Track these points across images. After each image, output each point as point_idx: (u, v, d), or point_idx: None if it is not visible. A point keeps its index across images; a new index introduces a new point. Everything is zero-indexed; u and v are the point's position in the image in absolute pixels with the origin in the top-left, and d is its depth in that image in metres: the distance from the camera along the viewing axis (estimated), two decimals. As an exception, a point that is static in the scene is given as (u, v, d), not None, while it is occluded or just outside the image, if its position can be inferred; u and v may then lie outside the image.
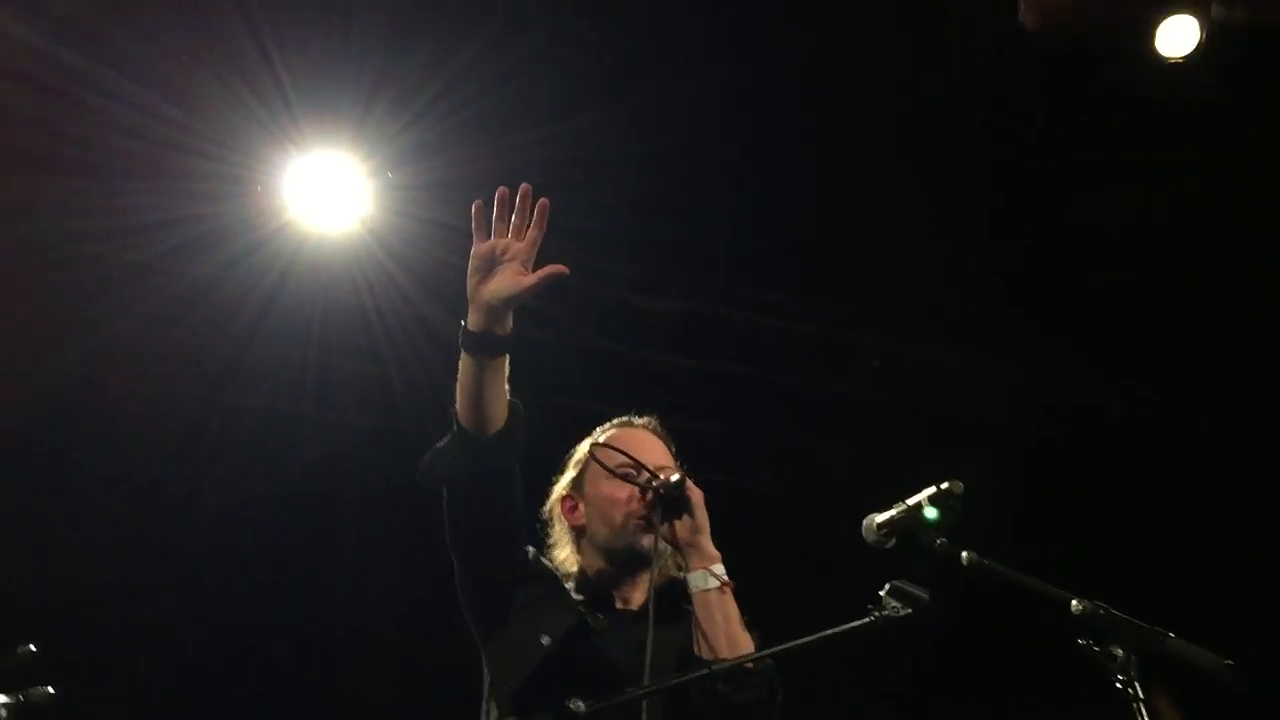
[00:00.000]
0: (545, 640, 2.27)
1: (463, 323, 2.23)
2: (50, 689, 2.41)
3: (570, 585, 2.42)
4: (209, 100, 3.98)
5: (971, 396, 5.12)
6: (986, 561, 2.03)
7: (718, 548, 2.39)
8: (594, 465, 2.43)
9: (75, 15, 3.81)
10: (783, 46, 4.03)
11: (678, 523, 2.29)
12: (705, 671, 2.03)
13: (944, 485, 2.08)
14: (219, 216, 4.36)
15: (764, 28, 4.01)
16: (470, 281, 2.22)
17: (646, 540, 2.32)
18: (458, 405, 2.26)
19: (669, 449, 2.50)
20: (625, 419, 2.54)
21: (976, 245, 4.60)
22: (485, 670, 2.38)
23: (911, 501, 2.11)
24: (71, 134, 4.04)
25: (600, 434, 2.52)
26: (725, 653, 2.19)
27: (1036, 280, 4.79)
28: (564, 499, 2.49)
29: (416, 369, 4.88)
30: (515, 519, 2.35)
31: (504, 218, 2.21)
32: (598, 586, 2.39)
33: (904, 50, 4.13)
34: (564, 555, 2.47)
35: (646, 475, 2.33)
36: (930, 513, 2.03)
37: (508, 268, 2.19)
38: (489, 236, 2.21)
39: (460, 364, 2.24)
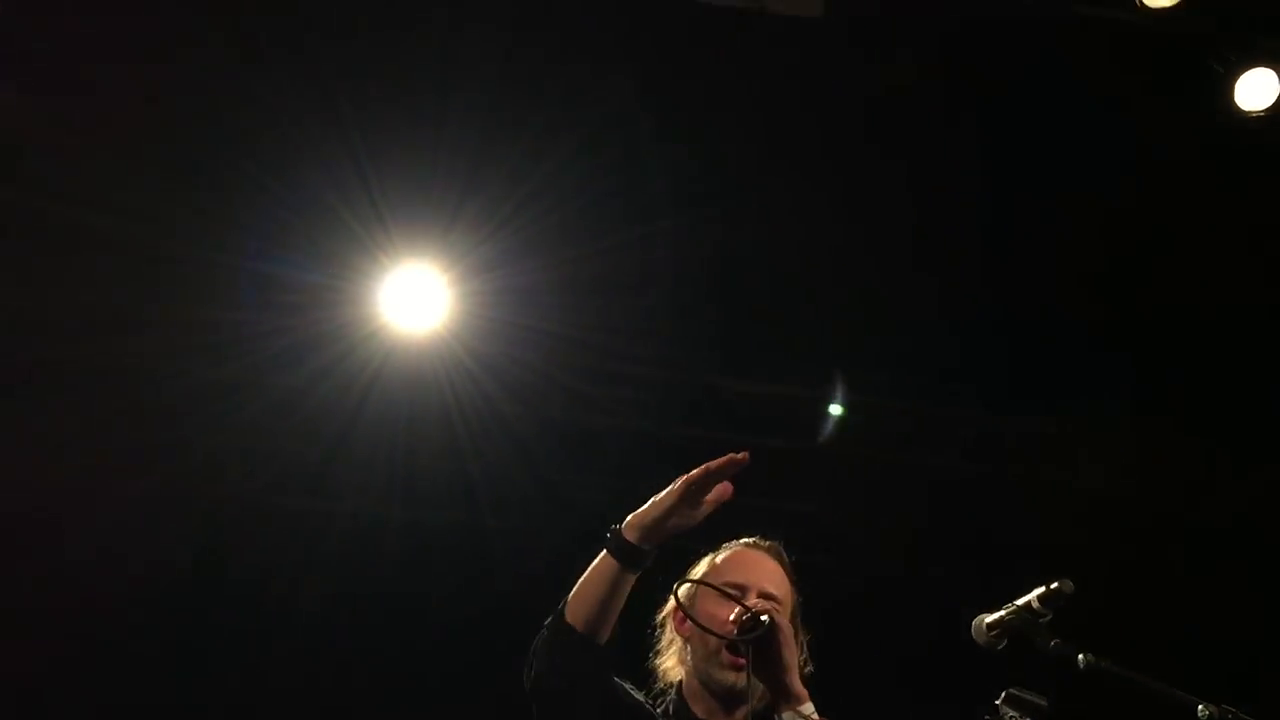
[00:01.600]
0: None
1: (616, 526, 2.21)
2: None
3: (669, 699, 2.41)
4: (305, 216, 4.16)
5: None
6: (1104, 663, 2.00)
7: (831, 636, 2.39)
8: (705, 577, 2.42)
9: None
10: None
11: (764, 661, 2.23)
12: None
13: (1054, 585, 2.05)
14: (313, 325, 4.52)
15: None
16: (660, 506, 2.18)
17: (733, 676, 2.29)
18: (576, 605, 2.21)
19: (786, 574, 2.47)
20: (751, 540, 2.53)
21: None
22: None
23: (1020, 601, 2.07)
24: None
25: (720, 551, 2.51)
26: None
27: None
28: (676, 609, 2.47)
29: (495, 463, 4.98)
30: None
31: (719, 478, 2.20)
32: (695, 708, 2.37)
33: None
34: (670, 664, 2.46)
35: (742, 608, 2.28)
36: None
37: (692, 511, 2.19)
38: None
39: (597, 566, 2.21)
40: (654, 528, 2.16)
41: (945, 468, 5.05)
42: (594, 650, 2.20)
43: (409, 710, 5.07)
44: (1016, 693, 2.00)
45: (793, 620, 2.40)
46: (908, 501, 5.09)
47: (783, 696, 2.23)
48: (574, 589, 2.23)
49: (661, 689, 2.46)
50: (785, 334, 4.78)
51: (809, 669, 2.42)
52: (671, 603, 2.49)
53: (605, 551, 2.19)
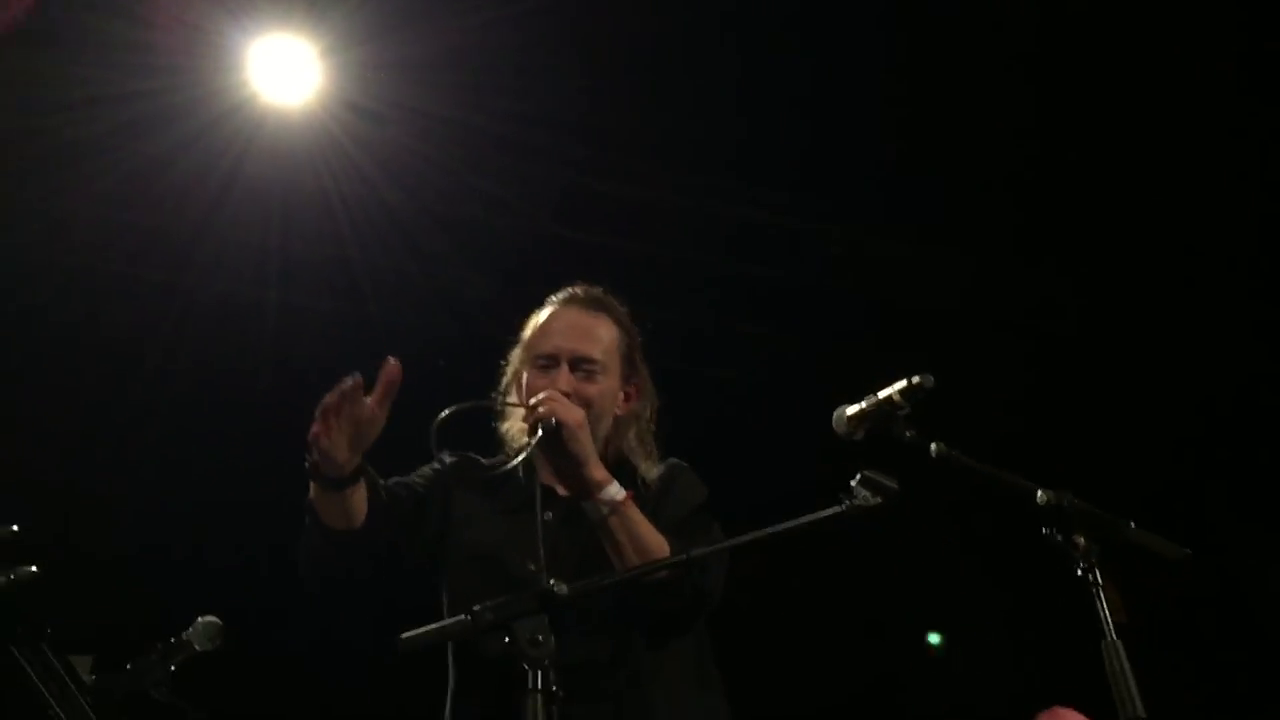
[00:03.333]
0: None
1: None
2: (34, 568, 2.41)
3: (521, 461, 2.36)
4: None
5: (933, 288, 5.12)
6: (954, 453, 2.06)
7: (677, 437, 2.40)
8: (527, 345, 2.43)
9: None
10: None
11: (559, 459, 2.23)
12: (684, 556, 2.07)
13: (915, 380, 2.09)
14: (175, 92, 4.23)
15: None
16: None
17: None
18: (325, 516, 2.17)
19: (613, 322, 2.43)
20: (566, 294, 2.48)
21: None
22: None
23: (883, 394, 2.12)
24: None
25: (547, 304, 2.49)
26: (636, 560, 2.18)
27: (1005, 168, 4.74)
28: (515, 374, 2.46)
29: (379, 253, 4.84)
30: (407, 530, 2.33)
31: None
32: (541, 472, 2.35)
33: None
34: (515, 425, 2.44)
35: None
36: None
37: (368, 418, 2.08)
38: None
39: (318, 495, 2.16)
40: (335, 461, 2.10)
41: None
42: (354, 534, 2.19)
43: (276, 495, 5.04)
44: (870, 475, 2.05)
45: (626, 365, 2.41)
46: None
47: (583, 491, 2.23)
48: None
49: (509, 454, 2.45)
50: (673, 138, 4.65)
51: (651, 411, 2.45)
52: (509, 374, 2.48)
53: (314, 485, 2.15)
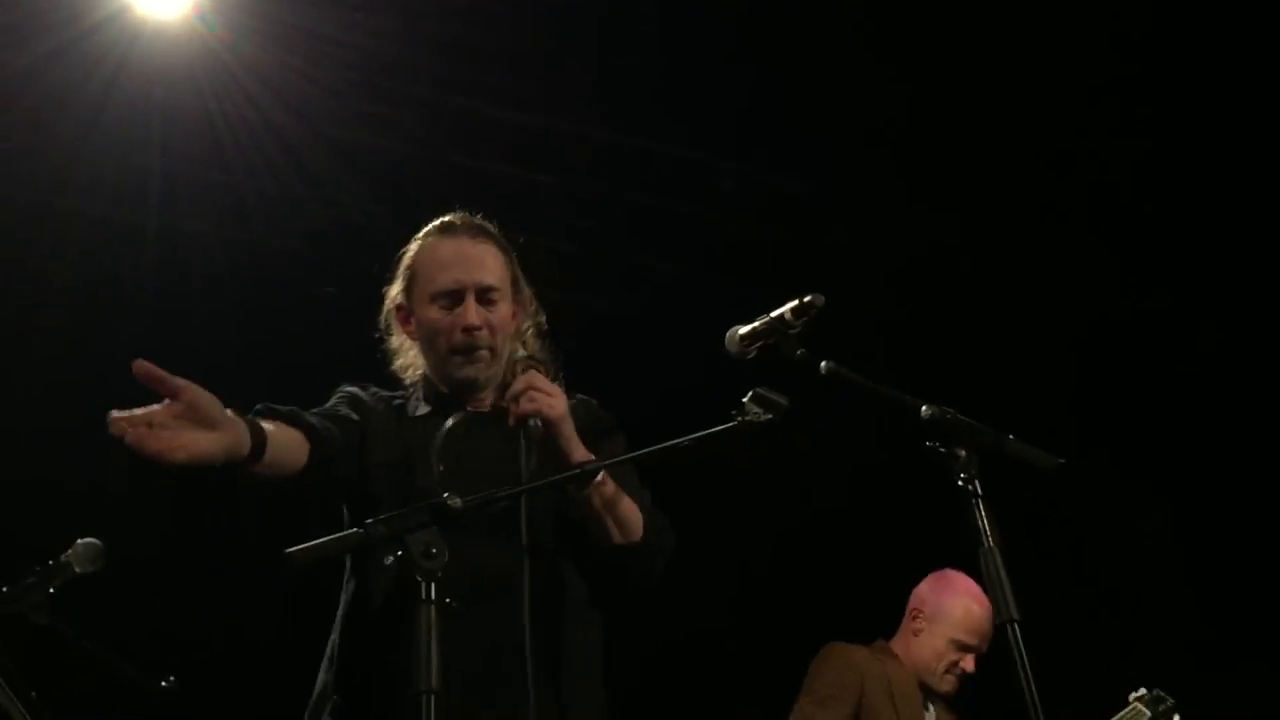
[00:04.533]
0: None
1: None
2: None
3: (418, 392, 2.40)
4: None
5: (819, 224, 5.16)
6: (843, 370, 2.11)
7: (570, 369, 2.39)
8: (419, 280, 2.38)
9: None
10: None
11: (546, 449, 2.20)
12: (577, 469, 2.10)
13: (806, 299, 2.13)
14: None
15: None
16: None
17: (470, 370, 2.32)
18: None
19: (498, 248, 2.41)
20: (451, 220, 2.43)
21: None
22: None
23: (775, 314, 2.16)
24: None
25: (426, 236, 2.43)
26: (620, 538, 2.21)
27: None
28: (398, 309, 2.43)
29: (265, 175, 4.69)
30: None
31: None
32: (447, 391, 2.37)
33: None
34: (409, 360, 2.44)
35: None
36: None
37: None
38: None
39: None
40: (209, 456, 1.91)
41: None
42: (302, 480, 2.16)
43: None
44: (762, 392, 2.10)
45: (513, 286, 2.40)
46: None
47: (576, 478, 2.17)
48: None
49: (407, 387, 2.44)
50: (568, 63, 4.58)
51: (539, 321, 2.46)
52: (389, 303, 2.44)
53: None
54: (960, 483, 1.95)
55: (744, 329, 2.19)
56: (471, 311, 2.32)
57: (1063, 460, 2.00)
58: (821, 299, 2.13)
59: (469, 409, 2.36)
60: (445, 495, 1.84)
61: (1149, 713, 3.57)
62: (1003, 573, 1.90)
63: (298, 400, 2.39)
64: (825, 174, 4.93)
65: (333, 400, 2.38)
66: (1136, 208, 5.00)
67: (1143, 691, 3.65)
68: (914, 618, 3.63)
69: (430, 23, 4.41)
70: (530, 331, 2.44)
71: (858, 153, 4.78)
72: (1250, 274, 5.10)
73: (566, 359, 2.48)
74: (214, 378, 5.08)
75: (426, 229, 2.45)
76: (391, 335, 2.47)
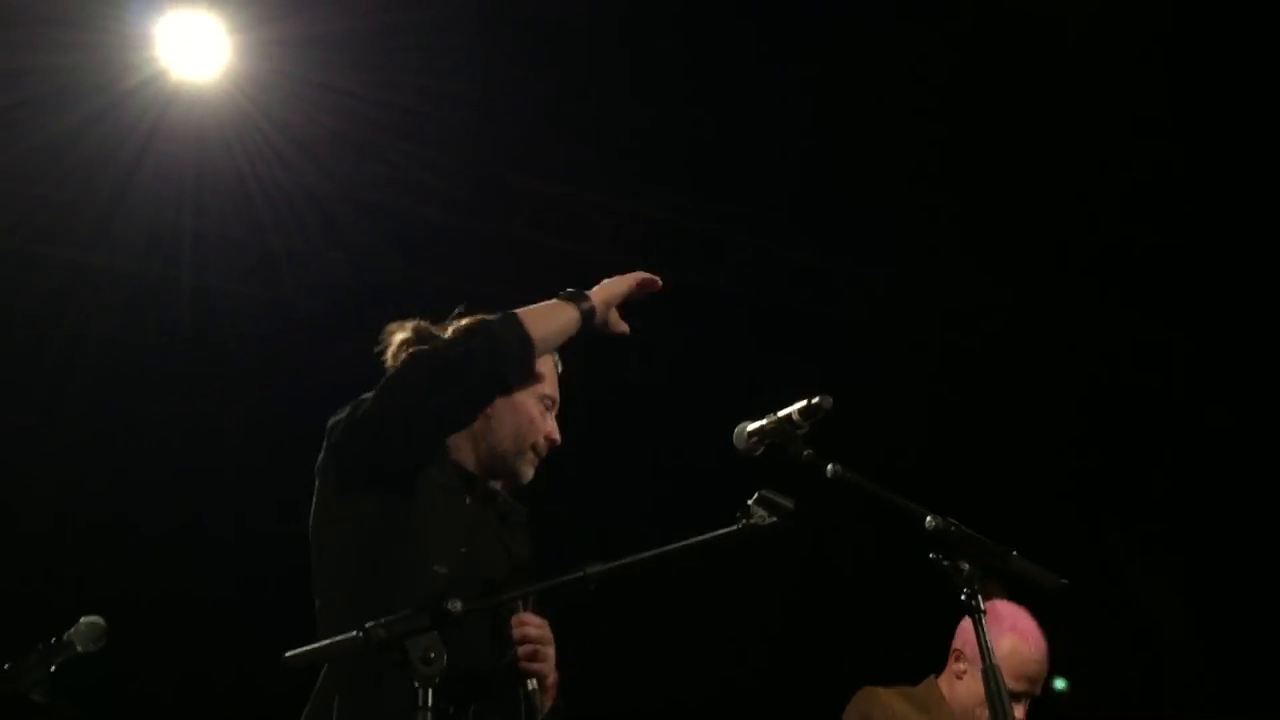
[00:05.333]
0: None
1: (581, 292, 2.37)
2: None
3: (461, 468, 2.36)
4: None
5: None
6: (850, 474, 2.08)
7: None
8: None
9: None
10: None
11: None
12: (580, 574, 2.09)
13: (814, 400, 2.12)
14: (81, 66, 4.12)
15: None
16: (618, 293, 2.42)
17: (530, 473, 2.36)
18: (537, 331, 2.27)
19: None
20: None
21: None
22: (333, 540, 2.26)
23: (782, 413, 2.15)
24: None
25: None
26: None
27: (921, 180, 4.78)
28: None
29: (295, 234, 4.76)
30: None
31: None
32: (475, 470, 2.36)
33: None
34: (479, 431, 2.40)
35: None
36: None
37: None
38: None
39: (561, 318, 2.32)
40: (608, 305, 2.37)
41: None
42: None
43: (194, 487, 4.96)
44: (767, 494, 2.08)
45: None
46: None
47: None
48: (527, 316, 2.27)
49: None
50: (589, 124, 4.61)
51: None
52: None
53: (575, 309, 2.34)
54: (963, 597, 1.93)
55: (752, 426, 2.18)
56: (556, 427, 2.40)
57: (1065, 580, 1.97)
58: (830, 401, 2.13)
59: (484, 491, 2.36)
60: (447, 600, 1.84)
61: None
62: (1004, 690, 1.87)
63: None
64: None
65: None
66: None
67: None
68: (956, 659, 3.17)
69: (464, 84, 4.46)
70: None
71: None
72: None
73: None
74: (242, 430, 5.14)
75: None
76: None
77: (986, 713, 2.92)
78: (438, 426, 2.27)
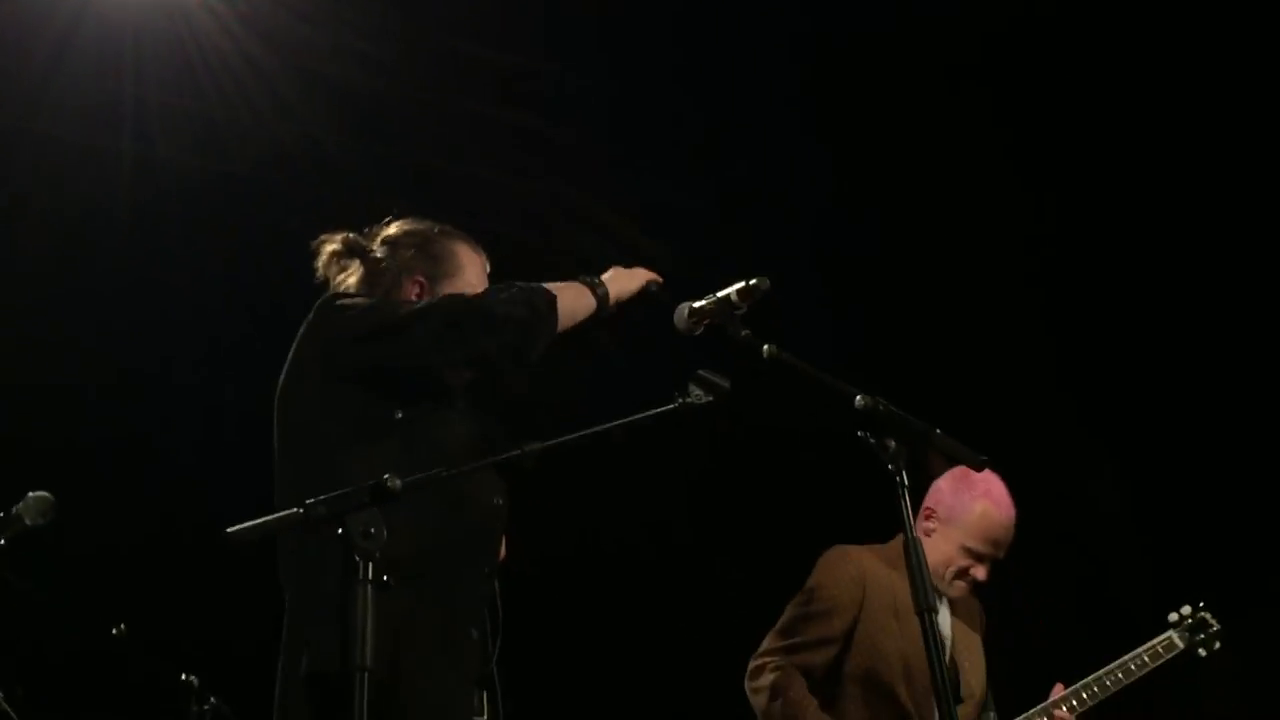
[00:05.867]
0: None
1: (598, 281, 2.39)
2: None
3: None
4: None
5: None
6: (785, 355, 2.13)
7: None
8: (462, 275, 2.43)
9: None
10: None
11: None
12: (519, 451, 2.14)
13: (752, 281, 2.18)
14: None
15: None
16: (631, 290, 2.42)
17: None
18: (564, 311, 2.31)
19: None
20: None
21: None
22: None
23: (721, 293, 2.20)
24: None
25: (462, 240, 2.50)
26: None
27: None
28: (414, 279, 2.44)
29: (242, 109, 4.65)
30: None
31: None
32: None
33: None
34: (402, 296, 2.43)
35: None
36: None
37: None
38: None
39: (582, 303, 2.35)
40: (619, 300, 2.38)
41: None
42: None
43: (137, 357, 4.94)
44: (705, 374, 2.13)
45: None
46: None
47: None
48: (562, 300, 2.30)
49: None
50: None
51: None
52: (412, 272, 2.46)
53: (593, 298, 2.36)
54: (888, 471, 1.99)
55: (693, 305, 2.22)
56: None
57: (985, 458, 2.04)
58: (767, 282, 2.17)
59: None
60: (385, 477, 1.88)
61: (1181, 645, 3.36)
62: (924, 562, 1.96)
63: (265, 323, 2.40)
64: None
65: None
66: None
67: (1185, 613, 3.40)
68: (927, 517, 3.22)
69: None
70: None
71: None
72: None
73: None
74: (186, 300, 5.10)
75: (461, 234, 2.52)
76: (380, 279, 2.46)
77: (951, 573, 3.16)
78: (460, 363, 2.29)
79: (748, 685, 3.15)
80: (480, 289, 2.43)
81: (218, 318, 4.88)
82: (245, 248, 4.81)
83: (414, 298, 2.43)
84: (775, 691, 3.06)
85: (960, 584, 3.20)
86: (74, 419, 4.87)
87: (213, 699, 3.40)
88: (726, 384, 2.12)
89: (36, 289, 4.82)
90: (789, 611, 3.20)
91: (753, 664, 3.16)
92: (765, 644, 3.18)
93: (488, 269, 2.53)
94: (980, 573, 3.19)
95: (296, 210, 4.90)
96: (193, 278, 4.87)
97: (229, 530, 1.81)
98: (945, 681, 1.89)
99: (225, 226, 4.86)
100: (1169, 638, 3.37)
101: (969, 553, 3.17)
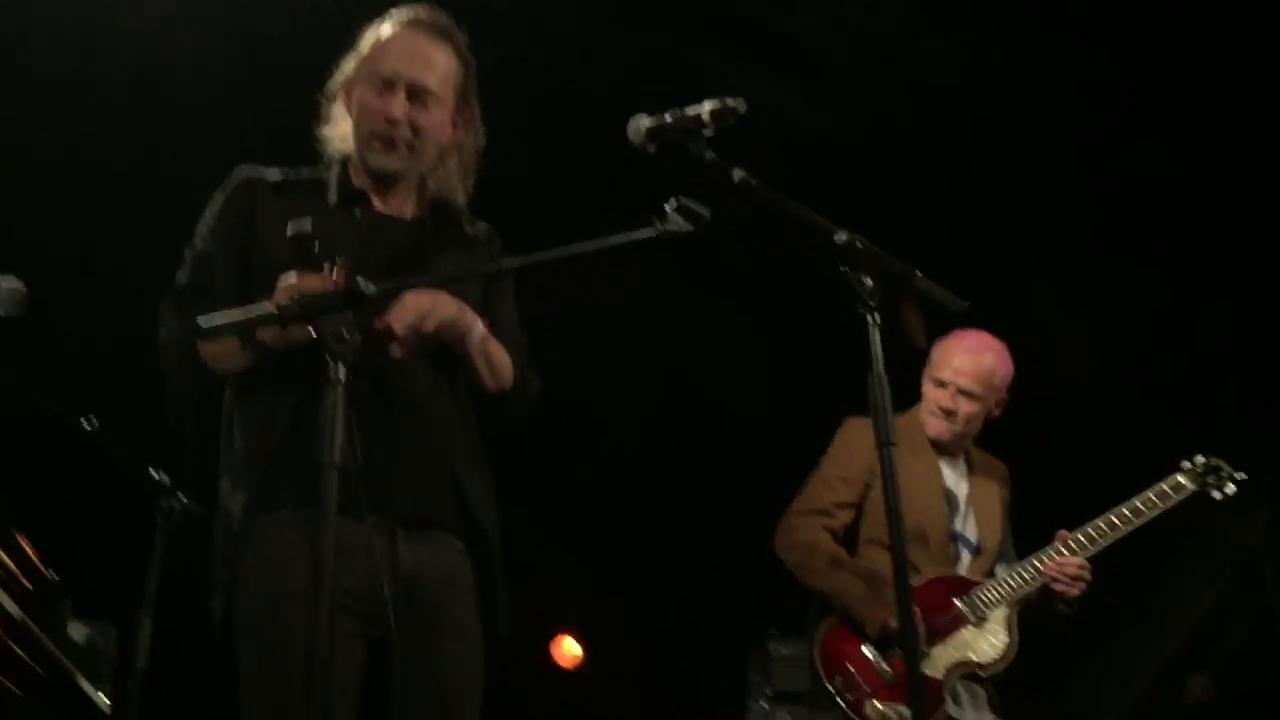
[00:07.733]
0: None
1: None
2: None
3: (333, 173, 2.40)
4: None
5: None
6: (756, 182, 1.99)
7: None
8: (367, 60, 2.37)
9: None
10: None
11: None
12: (496, 267, 2.14)
13: (729, 101, 2.02)
14: None
15: None
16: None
17: (384, 159, 2.33)
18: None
19: (454, 52, 2.39)
20: (411, 14, 2.40)
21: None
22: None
23: (690, 110, 2.02)
24: None
25: (391, 20, 2.40)
26: (491, 384, 2.34)
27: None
28: (345, 81, 2.42)
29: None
30: None
31: None
32: (355, 180, 2.39)
33: None
34: (341, 131, 2.42)
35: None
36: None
37: None
38: None
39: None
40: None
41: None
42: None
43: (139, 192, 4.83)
44: (684, 201, 2.07)
45: (459, 98, 2.41)
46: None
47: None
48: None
49: (327, 162, 2.44)
50: None
51: (479, 144, 2.47)
52: (341, 76, 2.44)
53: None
54: (860, 309, 1.98)
55: (650, 120, 2.03)
56: (397, 104, 2.33)
57: (968, 303, 2.02)
58: (743, 104, 2.02)
59: (376, 207, 2.38)
60: (359, 279, 1.88)
61: (1191, 485, 3.31)
62: (888, 399, 1.98)
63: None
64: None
65: (219, 207, 2.37)
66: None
67: (1197, 460, 3.35)
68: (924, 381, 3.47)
69: None
70: (469, 151, 2.45)
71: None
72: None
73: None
74: (201, 141, 4.98)
75: (397, 12, 2.43)
76: (332, 102, 2.46)
77: (927, 410, 3.38)
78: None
79: (778, 544, 3.39)
80: (392, 60, 2.36)
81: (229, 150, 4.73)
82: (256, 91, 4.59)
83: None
84: (810, 546, 3.32)
85: (933, 420, 3.40)
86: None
87: (184, 498, 3.45)
88: (707, 213, 2.08)
89: (36, 120, 4.66)
90: (810, 478, 3.44)
91: (781, 525, 3.41)
92: (791, 507, 3.43)
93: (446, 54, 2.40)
94: (943, 398, 3.38)
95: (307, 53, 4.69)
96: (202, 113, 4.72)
97: (199, 319, 1.81)
98: (899, 516, 1.93)
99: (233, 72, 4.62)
100: (1176, 479, 3.32)
101: (936, 383, 3.40)
